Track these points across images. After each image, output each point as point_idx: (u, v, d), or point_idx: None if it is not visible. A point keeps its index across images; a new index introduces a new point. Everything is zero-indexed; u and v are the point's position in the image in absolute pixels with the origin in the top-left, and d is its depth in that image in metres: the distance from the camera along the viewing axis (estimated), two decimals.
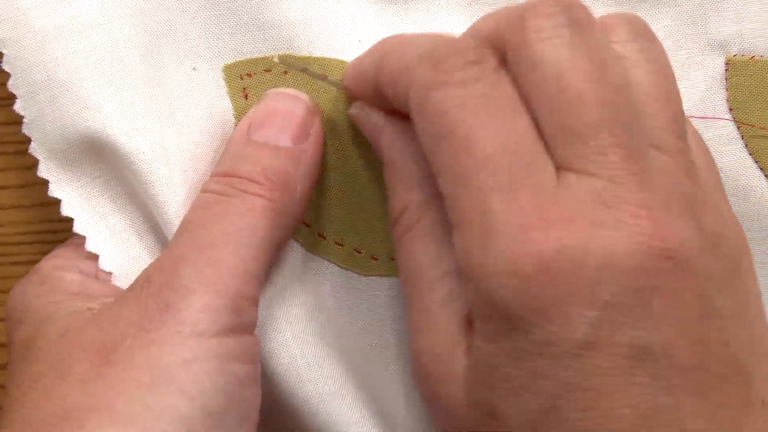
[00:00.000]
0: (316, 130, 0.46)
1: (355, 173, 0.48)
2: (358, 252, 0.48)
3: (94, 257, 0.47)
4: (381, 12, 0.48)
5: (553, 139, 0.37)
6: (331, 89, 0.47)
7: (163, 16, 0.47)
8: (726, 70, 0.48)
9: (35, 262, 0.48)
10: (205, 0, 0.47)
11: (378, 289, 0.49)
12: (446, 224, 0.40)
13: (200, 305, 0.41)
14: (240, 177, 0.44)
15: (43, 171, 0.46)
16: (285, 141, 0.45)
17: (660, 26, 0.48)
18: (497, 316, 0.36)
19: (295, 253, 0.48)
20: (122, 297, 0.42)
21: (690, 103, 0.48)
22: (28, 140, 0.46)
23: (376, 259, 0.48)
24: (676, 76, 0.47)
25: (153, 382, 0.39)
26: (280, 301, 0.47)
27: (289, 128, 0.45)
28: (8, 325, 0.46)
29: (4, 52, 0.45)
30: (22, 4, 0.45)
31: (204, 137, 0.48)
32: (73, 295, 0.45)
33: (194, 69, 0.47)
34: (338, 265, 0.49)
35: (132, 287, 0.43)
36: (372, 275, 0.49)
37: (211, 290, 0.41)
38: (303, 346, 0.47)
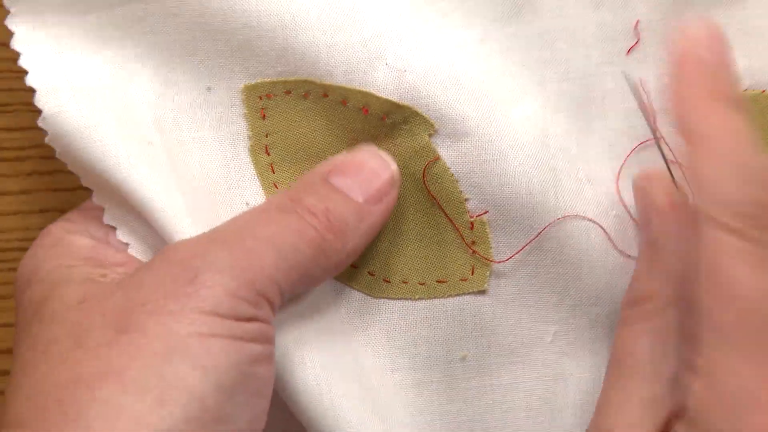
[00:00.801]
0: (389, 199, 0.46)
1: None
2: (371, 274, 0.48)
3: (104, 222, 0.47)
4: (405, 35, 0.47)
5: None
6: (351, 115, 0.47)
7: (184, 37, 0.47)
8: None
9: None
10: (228, 24, 0.47)
11: (389, 311, 0.49)
12: (682, 332, 0.42)
13: (225, 288, 0.40)
14: (304, 204, 0.44)
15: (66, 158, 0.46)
16: (359, 196, 0.45)
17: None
18: None
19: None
20: (150, 263, 0.42)
21: None
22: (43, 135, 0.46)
23: (388, 282, 0.48)
24: None
25: (168, 352, 0.39)
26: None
27: (368, 187, 0.45)
28: (17, 289, 0.45)
29: (21, 51, 0.45)
30: (41, 8, 0.45)
31: (209, 158, 0.48)
32: (84, 260, 0.45)
33: (209, 89, 0.48)
34: (351, 287, 0.49)
35: (162, 253, 0.42)
36: (383, 298, 0.49)
37: (239, 278, 0.41)
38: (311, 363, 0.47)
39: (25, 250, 0.51)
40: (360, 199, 0.45)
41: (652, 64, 0.47)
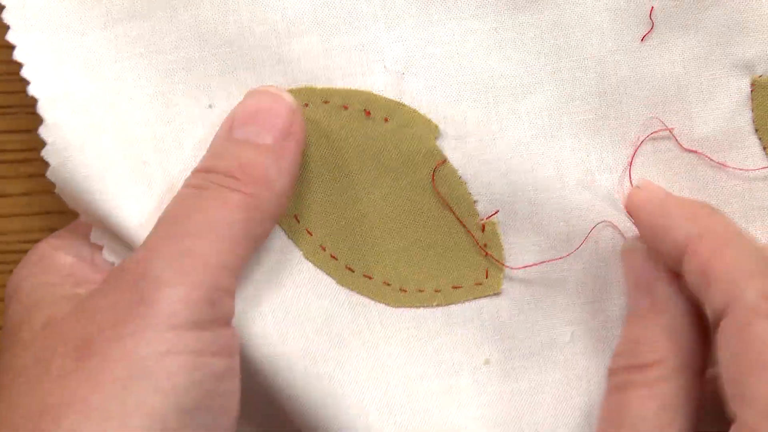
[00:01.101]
0: (297, 128, 0.46)
1: (378, 204, 0.48)
2: (386, 284, 0.48)
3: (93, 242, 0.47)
4: (406, 35, 0.47)
5: None
6: (353, 119, 0.47)
7: (180, 54, 0.47)
8: (751, 91, 0.48)
9: None
10: (222, 37, 0.47)
11: (409, 320, 0.49)
12: (687, 398, 0.42)
13: (175, 298, 0.40)
14: (218, 172, 0.44)
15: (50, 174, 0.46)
16: (266, 139, 0.45)
17: (684, 48, 0.47)
18: None
19: (324, 283, 0.48)
20: (100, 288, 0.42)
21: (715, 125, 0.48)
22: (40, 146, 0.46)
23: (405, 291, 0.48)
24: (701, 98, 0.47)
25: (128, 376, 0.39)
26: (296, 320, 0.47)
27: (271, 126, 0.45)
28: (5, 302, 0.46)
29: (23, 63, 0.46)
30: (40, 26, 0.46)
31: None
32: (63, 277, 0.45)
33: (210, 106, 0.47)
34: (369, 298, 0.48)
35: (108, 278, 0.42)
36: (401, 307, 0.48)
37: (186, 282, 0.41)
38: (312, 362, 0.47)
39: (25, 252, 0.51)
40: (269, 141, 0.45)
41: (667, 50, 0.47)
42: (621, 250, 0.47)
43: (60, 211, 0.52)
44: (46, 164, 0.51)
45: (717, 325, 0.40)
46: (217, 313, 0.41)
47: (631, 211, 0.46)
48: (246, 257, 0.44)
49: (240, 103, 0.46)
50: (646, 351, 0.43)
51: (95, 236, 0.47)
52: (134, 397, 0.39)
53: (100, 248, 0.47)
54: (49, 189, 0.51)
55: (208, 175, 0.44)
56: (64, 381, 0.40)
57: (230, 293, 0.42)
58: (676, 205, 0.44)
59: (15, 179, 0.52)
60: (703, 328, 0.43)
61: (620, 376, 0.44)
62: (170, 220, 0.43)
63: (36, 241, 0.49)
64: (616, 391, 0.44)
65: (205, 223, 0.42)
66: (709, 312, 0.41)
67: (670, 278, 0.44)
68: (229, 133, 0.45)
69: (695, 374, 0.43)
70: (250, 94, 0.46)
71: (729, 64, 0.47)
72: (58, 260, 0.46)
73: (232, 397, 0.42)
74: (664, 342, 0.43)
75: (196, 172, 0.45)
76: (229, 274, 0.42)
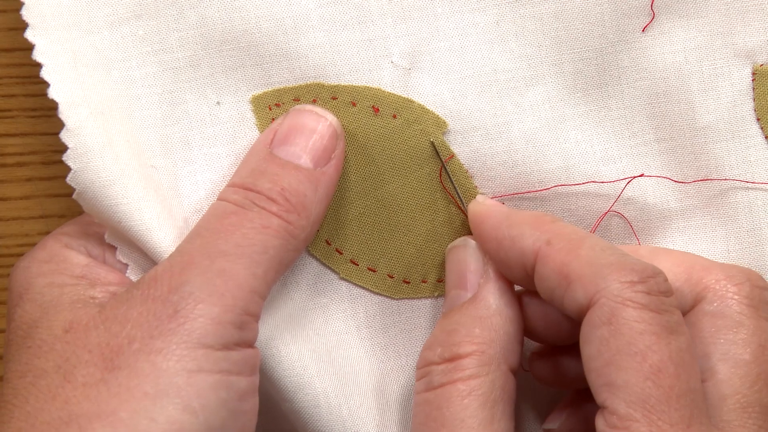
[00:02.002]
0: (338, 154, 0.45)
1: (386, 200, 0.48)
2: (390, 277, 0.48)
3: (103, 239, 0.46)
4: (413, 30, 0.47)
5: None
6: (361, 116, 0.47)
7: (187, 52, 0.47)
8: (753, 79, 0.48)
9: None
10: (229, 34, 0.47)
11: (410, 311, 0.49)
12: (504, 393, 0.42)
13: (209, 317, 0.40)
14: (259, 193, 0.43)
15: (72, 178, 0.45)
16: (306, 161, 0.44)
17: (686, 37, 0.47)
18: None
19: (329, 277, 0.48)
20: (129, 296, 0.42)
21: (717, 115, 0.48)
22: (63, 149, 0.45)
23: (408, 282, 0.48)
24: (702, 87, 0.47)
25: (158, 393, 0.39)
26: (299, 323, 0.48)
27: (312, 149, 0.45)
28: (9, 300, 0.45)
29: (42, 63, 0.45)
30: (53, 24, 0.45)
31: (221, 174, 0.47)
32: (76, 278, 0.44)
33: (218, 103, 0.47)
34: (370, 291, 0.49)
35: (139, 285, 0.42)
36: (404, 298, 0.49)
37: (220, 303, 0.40)
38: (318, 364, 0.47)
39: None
40: (309, 165, 0.44)
41: (668, 40, 0.47)
42: (447, 247, 0.47)
43: (59, 215, 0.51)
44: (44, 167, 0.51)
45: (580, 321, 0.40)
46: (243, 336, 0.41)
47: (475, 224, 0.46)
48: (273, 282, 0.43)
49: (283, 118, 0.46)
50: (462, 341, 0.43)
51: (109, 237, 0.46)
52: (164, 414, 0.38)
53: (112, 247, 0.46)
54: (47, 193, 0.50)
55: (249, 194, 0.43)
56: (89, 391, 0.39)
57: (257, 318, 0.42)
58: (519, 216, 0.44)
59: (13, 183, 0.51)
60: (519, 331, 0.44)
61: (434, 372, 0.43)
62: (208, 234, 0.42)
63: (34, 244, 0.48)
64: (430, 389, 0.43)
65: (244, 244, 0.42)
66: (572, 310, 0.41)
67: (495, 275, 0.44)
68: (269, 148, 0.45)
69: (511, 371, 0.43)
70: (295, 112, 0.46)
71: (730, 54, 0.48)
72: (70, 260, 0.45)
73: (252, 416, 0.42)
74: (480, 332, 0.43)
75: (237, 187, 0.44)
76: (258, 300, 0.42)
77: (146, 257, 0.46)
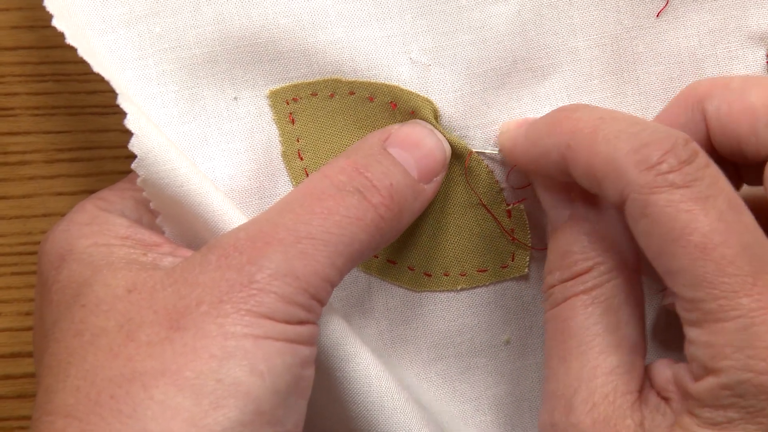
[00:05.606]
0: (439, 180, 0.45)
1: None
2: (410, 269, 0.48)
3: (140, 204, 0.46)
4: (434, 24, 0.47)
5: None
6: (378, 111, 0.47)
7: (204, 49, 0.47)
8: (767, 62, 0.48)
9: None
10: (247, 30, 0.47)
11: (432, 304, 0.49)
12: (629, 297, 0.41)
13: (280, 295, 0.40)
14: (368, 179, 0.43)
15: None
16: (413, 172, 0.44)
17: (700, 21, 0.47)
18: (747, 404, 0.38)
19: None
20: (204, 260, 0.41)
21: None
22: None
23: (429, 275, 0.48)
24: (717, 71, 0.47)
25: (225, 355, 0.38)
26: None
27: (423, 164, 0.45)
28: (46, 264, 0.44)
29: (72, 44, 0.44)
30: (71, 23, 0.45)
31: (240, 169, 0.47)
32: (121, 239, 0.44)
33: (236, 98, 0.47)
34: (391, 283, 0.49)
35: (214, 250, 0.41)
36: (425, 291, 0.49)
37: (294, 285, 0.40)
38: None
39: (27, 254, 0.52)
40: (415, 176, 0.44)
41: (682, 25, 0.47)
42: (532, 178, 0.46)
43: (61, 214, 0.51)
44: (46, 166, 0.51)
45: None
46: (308, 317, 0.41)
47: (507, 156, 0.46)
48: (346, 274, 0.43)
49: (402, 125, 0.46)
50: (578, 259, 0.43)
51: (153, 204, 0.45)
52: (231, 376, 0.38)
53: (148, 211, 0.45)
54: (50, 191, 0.50)
55: (357, 178, 0.43)
56: (153, 349, 0.39)
57: (324, 303, 0.42)
58: (538, 129, 0.44)
59: (16, 181, 0.51)
60: (627, 227, 0.43)
61: (557, 291, 0.43)
62: (302, 212, 0.42)
63: (36, 243, 0.49)
64: (556, 305, 0.43)
65: (333, 233, 0.41)
66: (617, 206, 0.40)
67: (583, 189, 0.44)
68: (384, 144, 0.44)
69: (633, 273, 0.43)
70: (414, 123, 0.46)
71: (744, 36, 0.47)
72: (111, 221, 0.44)
73: (310, 383, 0.42)
74: (592, 247, 0.43)
75: (346, 167, 0.43)
76: (330, 288, 0.42)
77: (186, 227, 0.46)
